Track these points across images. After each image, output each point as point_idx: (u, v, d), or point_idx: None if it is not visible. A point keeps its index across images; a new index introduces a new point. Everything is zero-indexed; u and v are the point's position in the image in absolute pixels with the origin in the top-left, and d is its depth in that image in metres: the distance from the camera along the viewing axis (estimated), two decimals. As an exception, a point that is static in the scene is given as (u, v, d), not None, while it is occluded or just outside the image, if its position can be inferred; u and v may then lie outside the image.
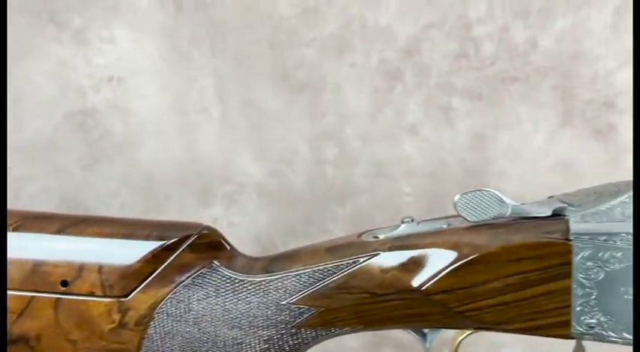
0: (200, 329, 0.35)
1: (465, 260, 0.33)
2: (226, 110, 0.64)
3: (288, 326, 0.35)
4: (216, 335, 0.35)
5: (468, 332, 0.37)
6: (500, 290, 0.33)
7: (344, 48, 0.59)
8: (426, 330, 0.37)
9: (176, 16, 0.61)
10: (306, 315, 0.35)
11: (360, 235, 0.37)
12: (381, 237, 0.35)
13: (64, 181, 0.66)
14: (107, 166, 0.66)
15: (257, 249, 0.70)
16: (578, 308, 0.32)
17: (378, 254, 0.34)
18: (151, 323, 0.35)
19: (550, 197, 0.37)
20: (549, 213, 0.33)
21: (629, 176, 0.58)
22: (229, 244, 0.37)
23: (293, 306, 0.35)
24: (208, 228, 0.37)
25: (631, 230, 0.31)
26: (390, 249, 0.34)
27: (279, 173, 0.65)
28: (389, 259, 0.34)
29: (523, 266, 0.32)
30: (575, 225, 0.32)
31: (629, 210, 0.31)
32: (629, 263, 0.31)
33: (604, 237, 0.32)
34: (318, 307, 0.34)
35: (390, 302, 0.34)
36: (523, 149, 0.59)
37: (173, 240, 0.35)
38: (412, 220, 0.36)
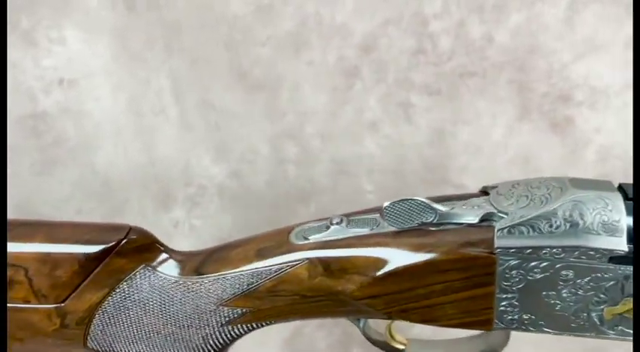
0: (138, 327, 0.36)
1: (390, 270, 0.33)
2: (184, 111, 0.62)
3: (222, 324, 0.35)
4: (156, 332, 0.36)
5: None
6: (425, 295, 0.33)
7: (301, 46, 0.58)
8: None
9: (128, 16, 0.59)
10: (238, 315, 0.35)
11: (290, 232, 0.37)
12: (311, 238, 0.35)
13: (17, 187, 0.63)
14: (61, 171, 0.64)
15: (220, 251, 0.69)
16: (500, 309, 0.33)
17: (307, 260, 0.34)
18: (92, 322, 0.36)
19: (483, 190, 0.36)
20: (477, 221, 0.33)
21: (585, 170, 0.59)
22: (161, 244, 0.37)
23: (225, 308, 0.35)
24: (137, 231, 0.37)
25: (556, 244, 0.31)
26: (318, 256, 0.34)
27: (240, 174, 0.64)
28: (317, 265, 0.34)
29: (448, 276, 0.33)
30: (501, 240, 0.32)
31: (557, 222, 0.31)
32: (551, 271, 0.32)
33: (529, 251, 0.32)
34: (249, 307, 0.35)
35: (320, 302, 0.35)
36: (483, 143, 0.59)
37: (99, 249, 0.35)
38: (342, 220, 0.36)
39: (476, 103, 0.58)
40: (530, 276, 0.32)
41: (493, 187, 0.35)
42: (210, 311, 0.35)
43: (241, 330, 0.36)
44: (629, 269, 0.31)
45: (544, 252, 0.31)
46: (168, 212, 0.66)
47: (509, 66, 0.56)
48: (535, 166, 0.59)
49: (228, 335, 0.36)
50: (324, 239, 0.35)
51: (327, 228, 0.35)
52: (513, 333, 0.62)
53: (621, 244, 0.31)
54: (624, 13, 0.54)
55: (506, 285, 0.32)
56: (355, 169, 0.61)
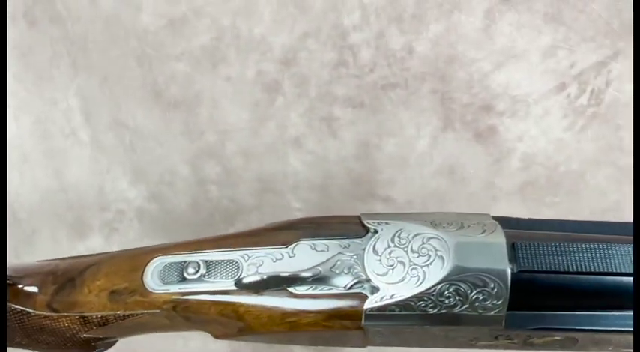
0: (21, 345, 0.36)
1: (252, 332, 0.32)
2: (96, 132, 0.59)
3: (94, 345, 0.35)
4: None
5: None
6: (294, 341, 0.33)
7: (218, 60, 0.56)
8: None
9: (30, 32, 0.55)
10: (104, 338, 0.35)
11: (145, 267, 0.33)
12: (169, 288, 0.33)
13: None
14: (-39, 202, 0.59)
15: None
16: (372, 341, 0.32)
17: (164, 311, 0.33)
18: None
19: (361, 222, 0.32)
20: (347, 288, 0.31)
21: (511, 178, 0.59)
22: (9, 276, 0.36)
23: (87, 336, 0.34)
24: None
25: (428, 322, 0.30)
26: (177, 310, 0.33)
27: (159, 196, 0.60)
28: (175, 316, 0.33)
29: (318, 333, 0.32)
30: (370, 319, 0.30)
31: (427, 304, 0.29)
32: (421, 332, 0.30)
33: (399, 325, 0.30)
34: (112, 335, 0.35)
35: (189, 330, 0.35)
36: (408, 155, 0.58)
37: None
38: (199, 267, 0.33)
39: (399, 115, 0.57)
40: (398, 335, 0.31)
41: (374, 231, 0.32)
42: (71, 339, 0.34)
43: (112, 342, 0.36)
44: (502, 331, 0.30)
45: (415, 326, 0.30)
46: (84, 240, 0.62)
47: (431, 76, 0.56)
48: (461, 176, 0.59)
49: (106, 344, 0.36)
50: (182, 290, 0.33)
51: (184, 279, 0.32)
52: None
53: (499, 324, 0.29)
54: (540, 21, 0.55)
55: (378, 336, 0.31)
56: (280, 187, 0.59)
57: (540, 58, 0.56)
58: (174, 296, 0.33)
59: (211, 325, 0.33)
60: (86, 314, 0.34)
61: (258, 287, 0.31)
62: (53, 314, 0.34)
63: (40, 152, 0.59)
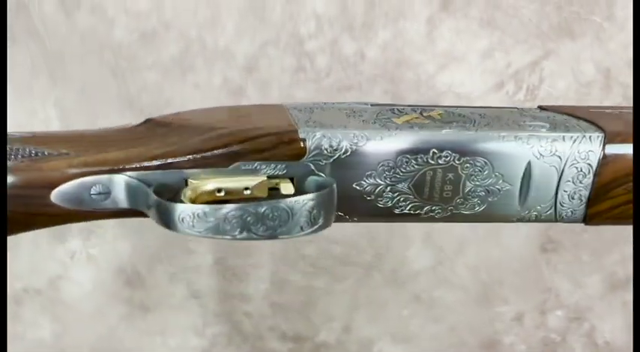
0: None
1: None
2: (74, 140, 0.63)
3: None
4: None
5: None
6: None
7: (186, 70, 0.61)
8: None
9: (11, 48, 0.60)
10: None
11: None
12: None
13: None
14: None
15: (121, 279, 0.68)
16: None
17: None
18: None
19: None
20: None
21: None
22: None
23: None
24: None
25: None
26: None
27: (135, 198, 0.64)
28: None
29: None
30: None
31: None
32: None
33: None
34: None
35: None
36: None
37: None
38: None
39: (355, 115, 0.62)
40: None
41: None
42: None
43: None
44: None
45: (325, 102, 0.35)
46: (63, 242, 0.65)
47: (382, 78, 0.61)
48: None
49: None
50: None
51: None
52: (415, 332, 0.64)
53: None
54: (476, 27, 0.61)
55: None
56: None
57: (479, 60, 0.62)
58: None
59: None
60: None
61: None
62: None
63: (20, 160, 0.62)
